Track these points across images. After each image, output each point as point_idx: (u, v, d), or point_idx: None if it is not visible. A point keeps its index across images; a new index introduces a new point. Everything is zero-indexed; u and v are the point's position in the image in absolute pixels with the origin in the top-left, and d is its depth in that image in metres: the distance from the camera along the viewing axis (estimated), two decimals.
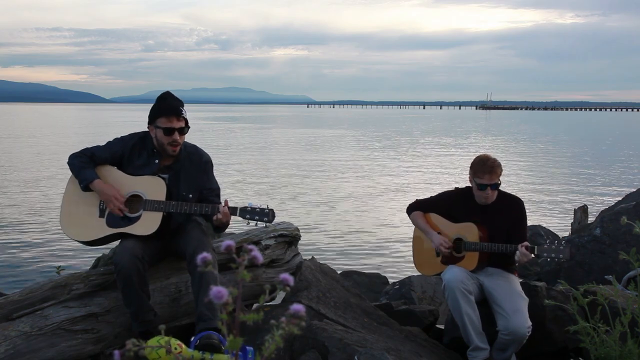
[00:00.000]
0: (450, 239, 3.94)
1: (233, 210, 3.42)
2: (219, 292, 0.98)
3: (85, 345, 3.31)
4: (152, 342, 3.06)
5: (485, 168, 3.76)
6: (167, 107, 3.50)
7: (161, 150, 3.55)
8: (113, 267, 3.35)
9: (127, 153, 3.58)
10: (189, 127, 3.56)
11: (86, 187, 3.50)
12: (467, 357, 3.76)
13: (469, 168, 3.89)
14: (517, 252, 3.64)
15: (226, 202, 3.45)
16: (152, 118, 3.53)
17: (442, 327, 4.49)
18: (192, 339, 3.18)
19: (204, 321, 3.20)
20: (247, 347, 3.08)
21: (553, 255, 3.63)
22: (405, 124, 67.97)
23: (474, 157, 3.91)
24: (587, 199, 13.36)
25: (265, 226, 3.62)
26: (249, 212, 3.42)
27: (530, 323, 3.63)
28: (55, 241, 9.21)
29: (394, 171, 19.69)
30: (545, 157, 26.00)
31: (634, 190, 7.40)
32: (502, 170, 3.84)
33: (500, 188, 3.88)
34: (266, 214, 3.41)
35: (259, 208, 3.42)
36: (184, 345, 3.05)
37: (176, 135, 3.47)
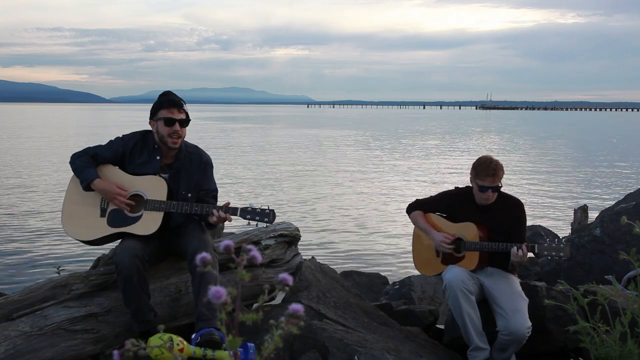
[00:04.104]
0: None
1: (234, 211, 3.42)
2: (218, 292, 0.98)
3: (85, 345, 3.31)
4: (154, 339, 3.07)
5: (487, 171, 3.76)
6: (168, 100, 3.55)
7: (162, 145, 3.55)
8: (113, 267, 3.36)
9: (129, 151, 3.59)
10: (189, 121, 3.59)
11: (87, 187, 3.51)
12: (467, 357, 3.76)
13: (470, 168, 3.88)
14: (512, 249, 3.63)
15: (227, 203, 3.46)
16: (154, 112, 3.57)
17: (442, 327, 4.49)
18: (193, 336, 3.19)
19: (204, 321, 3.21)
20: (248, 344, 3.08)
21: (553, 253, 3.62)
22: (405, 124, 67.93)
23: (476, 159, 3.90)
24: (587, 199, 13.35)
25: (266, 227, 3.60)
26: (249, 213, 3.42)
27: (530, 323, 3.63)
28: (55, 241, 9.22)
29: (394, 171, 19.69)
30: (545, 157, 25.98)
31: (634, 190, 7.39)
32: (503, 172, 3.83)
33: (501, 189, 3.88)
34: (267, 215, 3.42)
35: (259, 209, 3.42)
36: (185, 342, 3.06)
37: (177, 126, 3.49)
